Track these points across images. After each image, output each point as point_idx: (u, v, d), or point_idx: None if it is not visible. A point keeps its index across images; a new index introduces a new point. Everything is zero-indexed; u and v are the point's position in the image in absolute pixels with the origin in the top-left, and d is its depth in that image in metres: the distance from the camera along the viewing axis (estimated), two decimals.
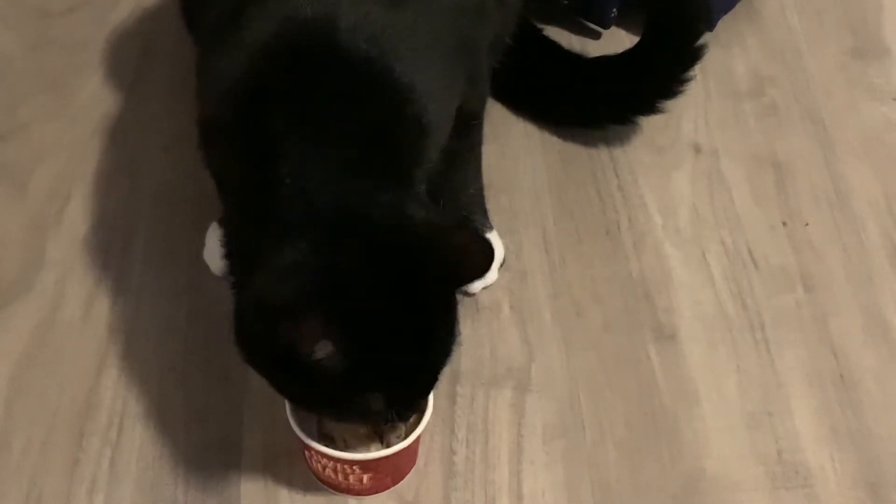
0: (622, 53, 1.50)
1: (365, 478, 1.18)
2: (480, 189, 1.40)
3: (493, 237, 1.38)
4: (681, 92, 1.46)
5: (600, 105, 1.51)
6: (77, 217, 1.44)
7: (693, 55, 1.44)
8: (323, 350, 1.03)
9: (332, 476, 1.20)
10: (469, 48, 1.26)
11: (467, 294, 1.36)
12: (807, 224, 1.43)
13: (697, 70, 1.46)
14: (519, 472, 1.23)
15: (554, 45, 1.56)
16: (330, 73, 1.11)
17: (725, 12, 1.63)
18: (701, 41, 1.43)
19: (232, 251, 1.18)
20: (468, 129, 1.33)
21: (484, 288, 1.36)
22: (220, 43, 1.17)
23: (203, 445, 1.25)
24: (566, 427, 1.26)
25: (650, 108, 1.48)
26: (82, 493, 1.22)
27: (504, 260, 1.38)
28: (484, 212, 1.39)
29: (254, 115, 1.11)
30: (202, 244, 1.38)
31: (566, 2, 1.62)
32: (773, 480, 1.22)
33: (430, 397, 1.18)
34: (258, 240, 1.09)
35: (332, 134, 1.10)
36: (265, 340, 1.05)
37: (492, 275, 1.37)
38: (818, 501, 1.20)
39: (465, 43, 1.24)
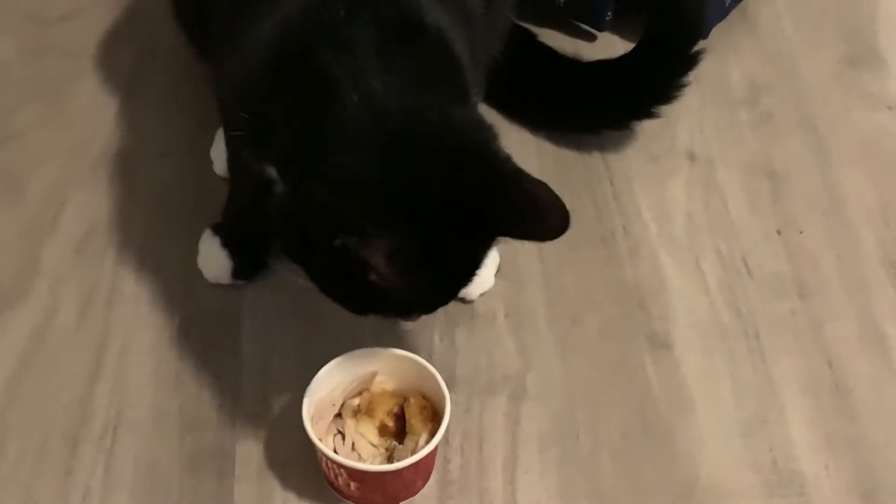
0: (618, 58, 1.50)
1: (352, 485, 1.19)
2: None
3: None
4: (676, 97, 1.46)
5: (595, 110, 1.51)
6: (72, 224, 1.44)
7: (690, 61, 1.44)
8: (378, 270, 1.07)
9: (326, 472, 1.20)
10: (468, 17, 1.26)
11: (465, 301, 1.36)
12: (801, 232, 1.43)
13: (692, 78, 1.46)
14: (514, 480, 1.23)
15: (548, 50, 1.56)
16: (368, 13, 1.12)
17: (720, 20, 1.63)
18: (697, 47, 1.43)
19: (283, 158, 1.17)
20: None
21: (481, 294, 1.36)
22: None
23: (197, 453, 1.25)
24: (561, 435, 1.26)
25: (646, 113, 1.48)
26: (76, 501, 1.21)
27: (500, 267, 1.38)
28: None
29: (307, 51, 1.12)
30: (197, 251, 1.38)
31: (561, 4, 1.62)
32: (768, 488, 1.22)
33: (438, 435, 1.18)
34: (323, 147, 1.10)
35: (387, 58, 1.11)
36: (319, 243, 1.08)
37: (488, 281, 1.37)
38: None
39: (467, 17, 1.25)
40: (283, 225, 1.14)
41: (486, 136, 1.13)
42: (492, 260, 1.37)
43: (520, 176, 1.13)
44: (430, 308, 1.18)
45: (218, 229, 1.36)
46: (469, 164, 1.11)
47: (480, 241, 1.13)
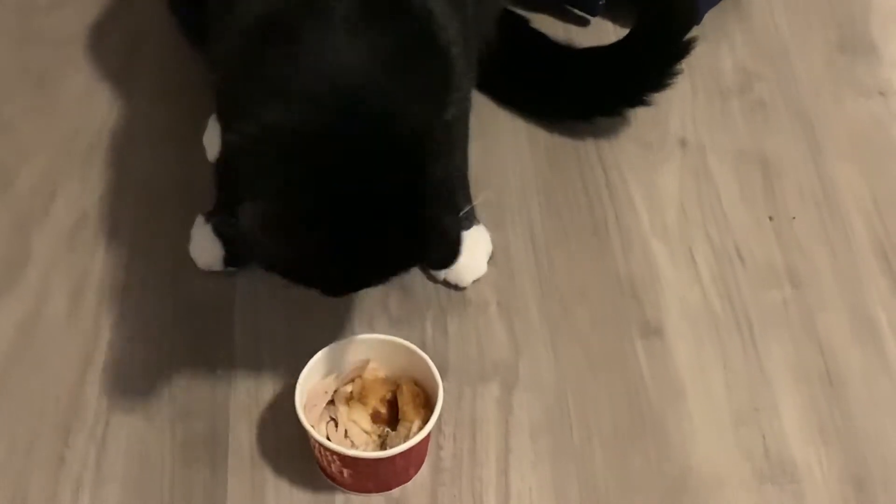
0: (611, 45, 1.50)
1: (345, 472, 1.19)
2: (466, 178, 1.39)
3: (481, 230, 1.38)
4: (669, 85, 1.46)
5: (587, 97, 1.51)
6: (63, 213, 1.44)
7: (682, 48, 1.43)
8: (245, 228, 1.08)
9: (319, 459, 1.20)
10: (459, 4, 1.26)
11: (458, 288, 1.36)
12: (793, 218, 1.43)
13: (684, 66, 1.46)
14: (506, 468, 1.23)
15: (541, 36, 1.56)
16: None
17: (712, 6, 1.63)
18: (690, 35, 1.43)
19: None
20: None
21: (474, 281, 1.36)
22: None
23: (189, 443, 1.25)
24: (553, 424, 1.26)
25: (638, 100, 1.48)
26: (68, 492, 1.21)
27: (492, 253, 1.38)
28: (468, 197, 1.38)
29: (283, 16, 1.14)
30: (188, 239, 1.37)
31: None
32: (760, 477, 1.22)
33: (430, 422, 1.18)
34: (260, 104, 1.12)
35: (360, 32, 1.12)
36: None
37: (481, 268, 1.37)
38: (805, 498, 1.21)
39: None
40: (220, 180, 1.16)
41: (424, 153, 1.12)
42: (485, 246, 1.37)
43: (437, 216, 1.11)
44: (329, 287, 1.17)
45: (210, 217, 1.36)
46: (393, 173, 1.10)
47: (386, 246, 1.12)
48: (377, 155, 1.10)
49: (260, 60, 1.14)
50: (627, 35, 1.48)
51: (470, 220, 1.37)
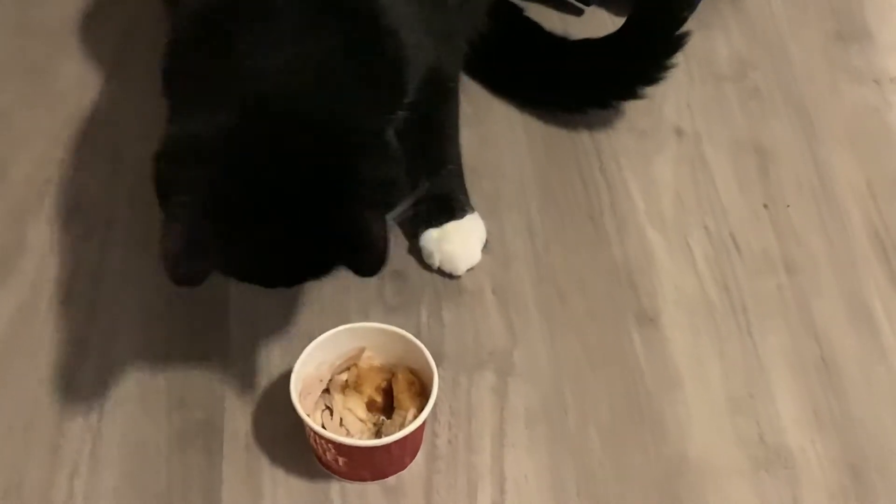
0: (604, 38, 1.49)
1: (340, 461, 1.19)
2: (460, 167, 1.39)
3: (475, 218, 1.38)
4: (662, 79, 1.45)
5: (581, 89, 1.51)
6: (57, 202, 1.43)
7: (676, 42, 1.43)
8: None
9: (315, 448, 1.20)
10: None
11: (452, 276, 1.36)
12: (788, 206, 1.43)
13: (680, 54, 1.45)
14: (501, 456, 1.23)
15: (535, 27, 1.56)
16: None
17: None
18: (684, 28, 1.43)
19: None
20: (444, 94, 1.32)
21: (468, 270, 1.36)
22: None
23: (185, 430, 1.25)
24: (549, 411, 1.26)
25: (631, 93, 1.47)
26: (63, 479, 1.21)
27: (487, 242, 1.38)
28: (464, 191, 1.39)
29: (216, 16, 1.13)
30: None
31: None
32: (755, 463, 1.22)
33: (425, 410, 1.18)
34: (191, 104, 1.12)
35: (301, 25, 1.11)
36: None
37: (475, 256, 1.37)
38: (800, 484, 1.21)
39: None
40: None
41: (352, 152, 1.12)
42: (479, 234, 1.37)
43: (356, 215, 1.11)
44: (266, 283, 1.19)
45: None
46: (318, 173, 1.10)
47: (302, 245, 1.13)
48: (301, 155, 1.10)
49: (189, 60, 1.15)
50: (622, 27, 1.47)
51: (465, 209, 1.37)
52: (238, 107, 1.10)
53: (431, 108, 1.23)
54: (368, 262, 1.12)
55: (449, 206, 1.36)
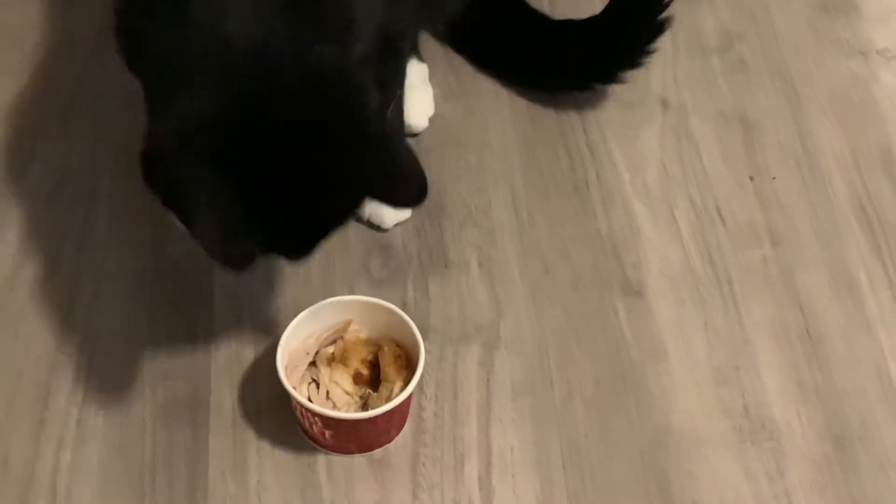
0: (587, 20, 1.48)
1: (327, 433, 1.19)
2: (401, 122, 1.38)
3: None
4: (644, 64, 1.45)
5: (562, 70, 1.50)
6: (41, 174, 1.43)
7: (658, 27, 1.42)
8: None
9: (301, 420, 1.20)
10: None
11: (379, 229, 1.36)
12: (774, 178, 1.43)
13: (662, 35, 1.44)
14: (488, 428, 1.23)
15: (520, 4, 1.54)
16: None
17: None
18: (668, 13, 1.42)
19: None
20: (391, 53, 1.30)
21: (396, 224, 1.36)
22: None
23: (170, 403, 1.25)
24: (535, 384, 1.27)
25: (612, 76, 1.47)
26: (49, 453, 1.21)
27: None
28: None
29: None
30: None
31: None
32: (740, 434, 1.23)
33: (411, 383, 1.18)
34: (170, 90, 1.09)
35: None
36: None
37: (405, 212, 1.36)
38: (784, 455, 1.21)
39: None
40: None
41: (353, 88, 1.10)
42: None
43: (383, 139, 1.10)
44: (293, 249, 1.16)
45: None
46: (325, 119, 1.08)
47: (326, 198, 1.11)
48: (303, 109, 1.08)
49: (148, 32, 1.12)
50: (604, 10, 1.45)
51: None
52: (220, 80, 1.07)
53: (380, 66, 1.22)
54: (415, 191, 1.12)
55: None
